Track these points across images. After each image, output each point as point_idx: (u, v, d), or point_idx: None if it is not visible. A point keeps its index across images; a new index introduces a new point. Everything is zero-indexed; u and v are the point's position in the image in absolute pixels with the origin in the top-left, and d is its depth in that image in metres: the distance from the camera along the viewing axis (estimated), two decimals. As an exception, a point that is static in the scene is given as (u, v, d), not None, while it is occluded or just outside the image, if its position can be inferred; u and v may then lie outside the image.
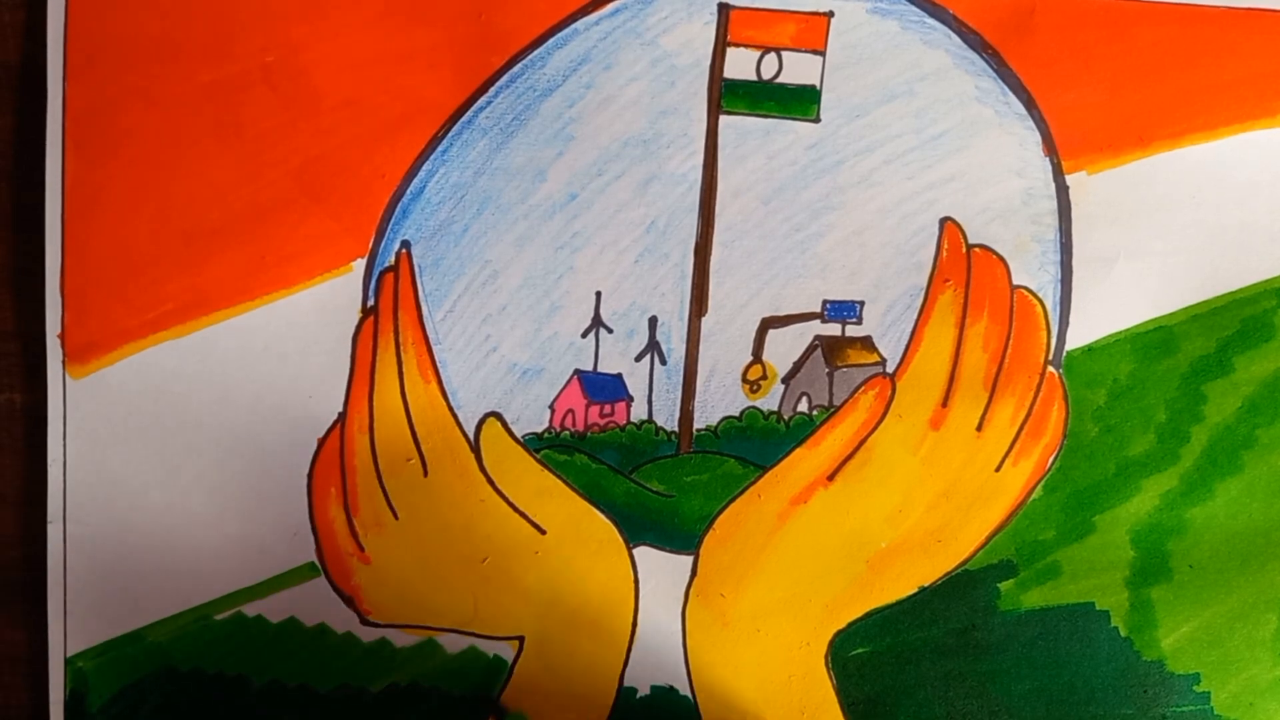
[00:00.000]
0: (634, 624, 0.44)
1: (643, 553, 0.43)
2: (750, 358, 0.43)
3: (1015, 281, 0.42)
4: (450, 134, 0.42)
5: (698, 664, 0.44)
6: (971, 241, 0.42)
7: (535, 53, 0.41)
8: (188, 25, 0.41)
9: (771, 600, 0.43)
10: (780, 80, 0.41)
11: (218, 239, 0.42)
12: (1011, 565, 0.43)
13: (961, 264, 0.42)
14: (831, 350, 0.43)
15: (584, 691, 0.44)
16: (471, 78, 0.41)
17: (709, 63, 0.41)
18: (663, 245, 0.42)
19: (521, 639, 0.44)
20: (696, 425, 0.43)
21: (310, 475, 0.43)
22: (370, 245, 0.42)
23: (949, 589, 0.43)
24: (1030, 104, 0.41)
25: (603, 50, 0.41)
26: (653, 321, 0.43)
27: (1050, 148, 0.41)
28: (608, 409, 0.43)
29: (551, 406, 0.43)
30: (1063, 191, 0.42)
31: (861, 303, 0.42)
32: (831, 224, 0.42)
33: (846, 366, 0.43)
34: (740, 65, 0.41)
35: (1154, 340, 0.42)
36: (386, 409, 0.43)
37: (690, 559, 0.43)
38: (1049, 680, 0.43)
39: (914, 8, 0.41)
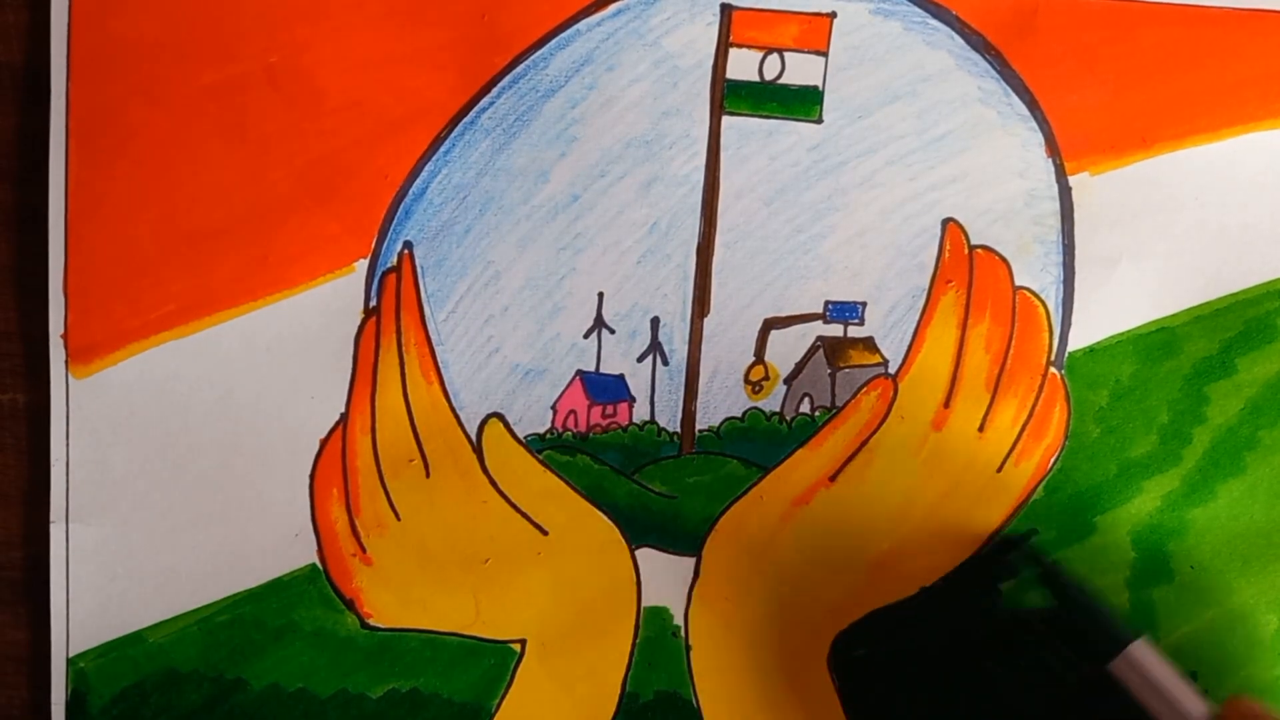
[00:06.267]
0: (636, 626, 0.44)
1: (645, 554, 0.43)
2: (752, 358, 0.43)
3: (1017, 283, 0.42)
4: (453, 135, 0.42)
5: (700, 666, 0.44)
6: (974, 243, 0.42)
7: (538, 53, 0.41)
8: (191, 26, 0.41)
9: (774, 601, 0.43)
10: (783, 81, 0.41)
11: (220, 239, 0.42)
12: (1012, 566, 0.43)
13: (964, 265, 0.42)
14: (833, 351, 0.43)
15: (586, 694, 0.44)
16: (474, 78, 0.41)
17: (711, 64, 0.41)
18: (665, 246, 0.42)
19: (523, 642, 0.44)
20: (699, 426, 0.43)
21: (312, 476, 0.43)
22: (372, 246, 0.42)
23: (950, 589, 0.43)
24: (1033, 105, 0.41)
25: (605, 51, 0.41)
26: (655, 322, 0.43)
27: (1053, 149, 0.41)
28: (610, 410, 0.43)
29: (554, 407, 0.43)
30: (1065, 193, 0.42)
31: (863, 304, 0.42)
32: (834, 225, 0.42)
33: (848, 367, 0.43)
34: (743, 66, 0.41)
35: (1156, 341, 0.42)
36: (388, 410, 0.43)
37: (693, 561, 0.43)
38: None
39: (917, 9, 0.41)
